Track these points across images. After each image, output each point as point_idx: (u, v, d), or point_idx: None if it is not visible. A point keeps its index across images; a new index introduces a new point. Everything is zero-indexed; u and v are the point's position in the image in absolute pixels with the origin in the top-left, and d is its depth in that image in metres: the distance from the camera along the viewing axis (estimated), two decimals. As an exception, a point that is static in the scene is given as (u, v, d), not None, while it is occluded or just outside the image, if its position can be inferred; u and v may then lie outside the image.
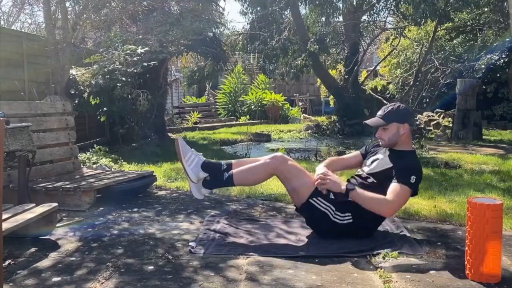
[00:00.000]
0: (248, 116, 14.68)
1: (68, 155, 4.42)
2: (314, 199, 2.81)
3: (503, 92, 11.85)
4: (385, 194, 2.73)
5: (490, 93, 11.93)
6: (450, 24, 12.29)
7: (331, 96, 13.60)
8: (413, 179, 2.73)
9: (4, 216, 2.57)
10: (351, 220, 2.78)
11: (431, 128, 10.14)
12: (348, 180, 2.92)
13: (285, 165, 2.89)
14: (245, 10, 11.62)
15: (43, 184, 3.72)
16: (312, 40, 10.64)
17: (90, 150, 6.35)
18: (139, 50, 6.94)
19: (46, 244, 2.81)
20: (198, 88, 17.47)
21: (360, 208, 2.75)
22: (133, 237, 2.94)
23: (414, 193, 2.81)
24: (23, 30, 11.08)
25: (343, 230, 2.79)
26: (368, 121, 3.00)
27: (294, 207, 3.07)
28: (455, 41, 13.11)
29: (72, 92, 6.61)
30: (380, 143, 2.98)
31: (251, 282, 2.21)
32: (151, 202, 3.95)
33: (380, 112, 2.93)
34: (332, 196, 2.81)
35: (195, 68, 12.67)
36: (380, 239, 2.82)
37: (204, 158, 3.00)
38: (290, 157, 7.07)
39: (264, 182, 3.59)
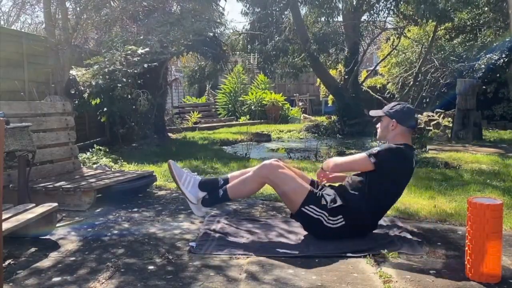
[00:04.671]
0: (248, 116, 14.68)
1: (68, 155, 4.42)
2: (307, 207, 2.80)
3: (503, 92, 11.85)
4: (367, 183, 2.83)
5: (490, 93, 11.93)
6: (450, 24, 12.29)
7: (331, 96, 13.59)
8: (375, 150, 2.84)
9: (4, 216, 2.58)
10: (343, 222, 2.78)
11: (431, 128, 10.15)
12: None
13: (274, 173, 2.86)
14: (246, 10, 11.65)
15: (43, 184, 3.72)
16: (312, 40, 10.63)
17: (90, 150, 6.36)
18: (140, 51, 6.95)
19: (46, 244, 2.81)
20: (198, 88, 17.47)
21: (349, 208, 2.79)
22: (133, 237, 2.94)
23: (374, 163, 2.78)
24: (23, 30, 11.08)
25: (339, 234, 2.80)
26: (370, 112, 3.14)
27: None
28: (455, 41, 13.12)
29: (72, 92, 6.60)
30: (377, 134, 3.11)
31: (252, 282, 2.22)
32: (151, 202, 3.95)
33: None
34: (324, 202, 2.81)
35: (196, 68, 12.66)
36: (380, 239, 2.83)
37: (200, 177, 3.01)
38: (290, 157, 7.20)
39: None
